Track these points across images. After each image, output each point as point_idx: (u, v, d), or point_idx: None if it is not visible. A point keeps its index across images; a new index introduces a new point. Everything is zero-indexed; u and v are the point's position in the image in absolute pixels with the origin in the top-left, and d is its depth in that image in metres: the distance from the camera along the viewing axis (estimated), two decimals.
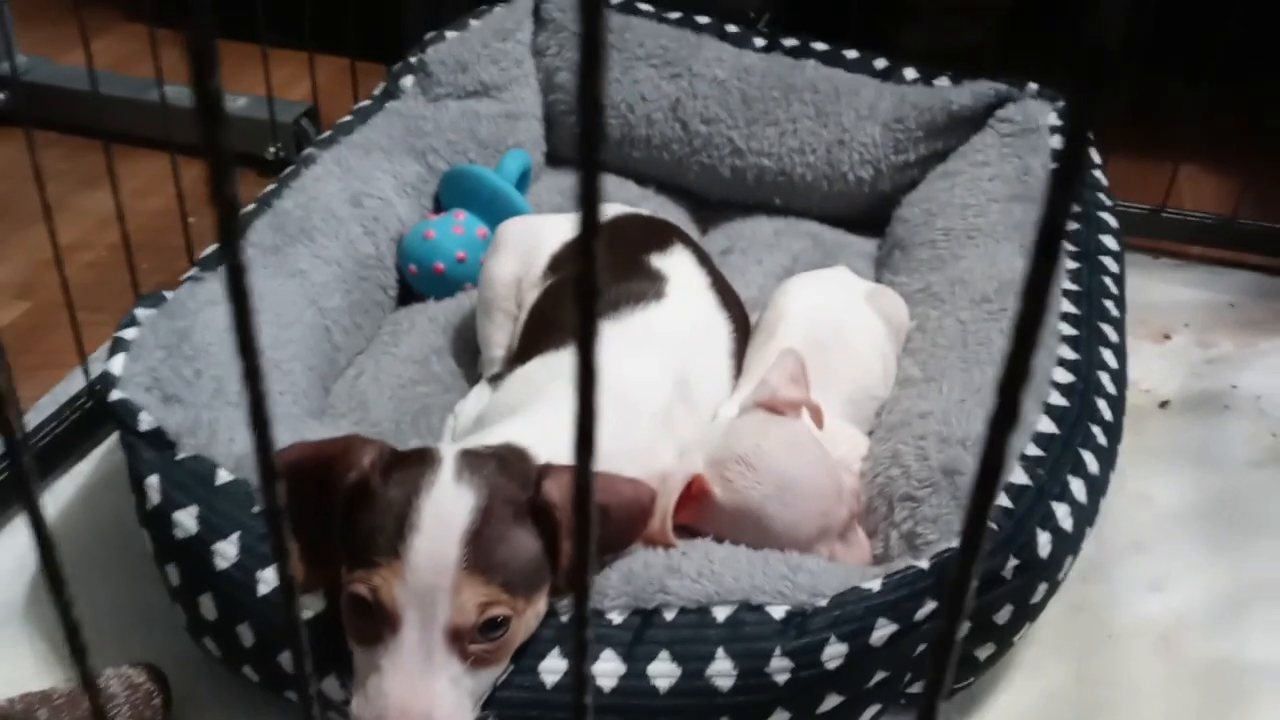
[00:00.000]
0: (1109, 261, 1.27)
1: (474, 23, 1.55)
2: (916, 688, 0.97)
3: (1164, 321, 1.55)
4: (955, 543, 0.91)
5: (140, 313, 1.06)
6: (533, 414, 0.97)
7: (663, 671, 0.86)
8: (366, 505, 0.84)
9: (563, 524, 0.84)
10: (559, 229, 1.27)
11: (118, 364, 1.00)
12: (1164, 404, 1.40)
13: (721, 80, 1.54)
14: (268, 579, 0.90)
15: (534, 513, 0.85)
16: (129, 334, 1.03)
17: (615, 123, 1.56)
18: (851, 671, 0.87)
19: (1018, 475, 0.96)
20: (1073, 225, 1.20)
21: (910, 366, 1.17)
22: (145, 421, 0.95)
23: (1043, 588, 0.96)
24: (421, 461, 0.85)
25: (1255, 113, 1.94)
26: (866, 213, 1.53)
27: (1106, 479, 1.05)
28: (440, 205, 1.45)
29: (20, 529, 1.17)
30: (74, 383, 1.30)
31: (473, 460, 0.87)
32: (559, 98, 1.59)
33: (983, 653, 0.97)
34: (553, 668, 0.87)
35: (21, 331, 1.46)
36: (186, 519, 0.92)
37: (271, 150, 1.72)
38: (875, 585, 0.88)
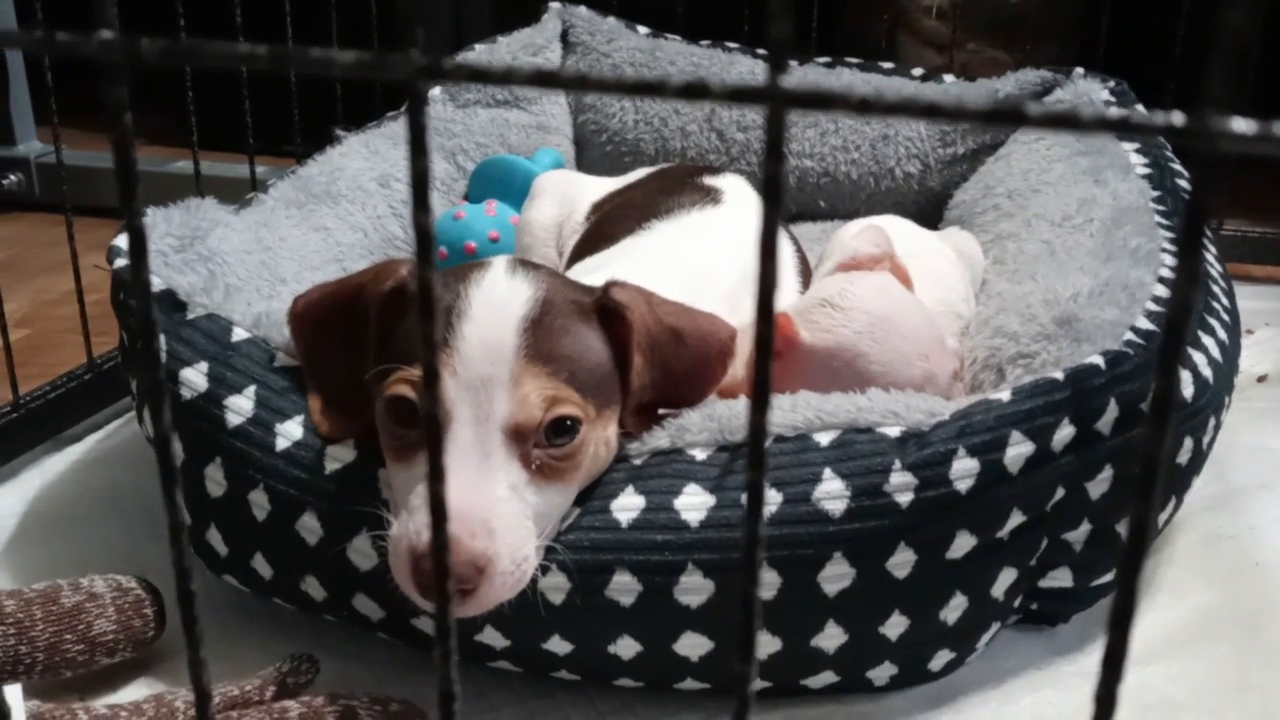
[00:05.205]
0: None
1: (502, 38, 1.52)
2: (1046, 580, 0.82)
3: (1243, 322, 1.45)
4: (1091, 359, 0.78)
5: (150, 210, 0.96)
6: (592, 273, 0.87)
7: None
8: (405, 310, 0.73)
9: (635, 327, 0.72)
10: (599, 182, 1.20)
11: (124, 239, 0.90)
12: (1261, 378, 1.30)
13: None
14: (288, 433, 0.77)
15: (601, 315, 0.73)
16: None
17: (649, 137, 1.51)
18: (984, 501, 0.73)
19: (1143, 322, 0.84)
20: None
21: (997, 282, 1.06)
22: (154, 283, 0.84)
23: (1187, 446, 0.82)
24: (468, 267, 0.74)
25: None
26: (916, 216, 1.45)
27: (1236, 349, 0.93)
28: (470, 201, 1.38)
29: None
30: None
31: (527, 264, 0.76)
32: (589, 118, 1.54)
33: (1125, 528, 0.82)
34: (628, 505, 0.73)
35: (20, 348, 1.36)
36: (195, 376, 0.80)
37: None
38: (1005, 395, 0.75)
